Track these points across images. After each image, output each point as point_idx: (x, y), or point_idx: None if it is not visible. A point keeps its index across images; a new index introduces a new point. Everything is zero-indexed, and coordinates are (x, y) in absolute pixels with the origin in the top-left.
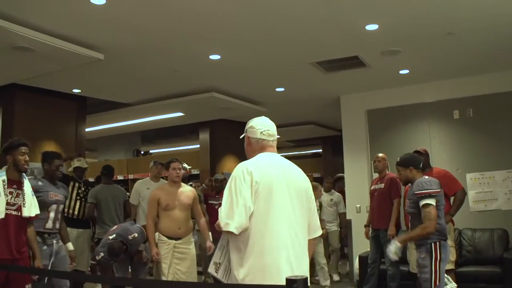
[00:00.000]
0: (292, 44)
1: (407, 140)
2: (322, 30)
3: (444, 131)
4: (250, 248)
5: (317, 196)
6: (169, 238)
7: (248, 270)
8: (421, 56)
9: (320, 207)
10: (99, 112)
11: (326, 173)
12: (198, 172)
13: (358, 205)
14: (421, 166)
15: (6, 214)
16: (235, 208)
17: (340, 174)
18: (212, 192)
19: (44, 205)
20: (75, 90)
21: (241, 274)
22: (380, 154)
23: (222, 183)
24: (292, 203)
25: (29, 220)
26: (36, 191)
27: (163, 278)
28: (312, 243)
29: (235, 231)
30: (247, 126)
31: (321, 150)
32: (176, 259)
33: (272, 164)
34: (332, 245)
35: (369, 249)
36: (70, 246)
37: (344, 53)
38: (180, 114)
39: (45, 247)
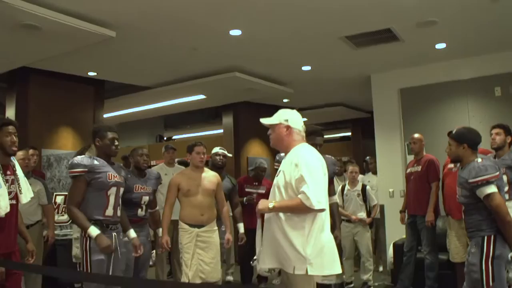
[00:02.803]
0: (319, 17)
1: (444, 120)
2: (351, 0)
3: (484, 109)
4: (314, 225)
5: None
6: (191, 226)
7: (313, 246)
8: (460, 27)
9: (362, 192)
10: (118, 96)
11: (355, 157)
12: None
13: (391, 190)
14: (477, 146)
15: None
16: (322, 189)
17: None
18: (249, 178)
19: (102, 188)
20: (91, 73)
21: (308, 250)
22: (416, 135)
23: (265, 172)
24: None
25: None
26: (91, 171)
27: (186, 270)
28: None
29: (327, 208)
30: (286, 116)
31: (350, 134)
32: (199, 248)
33: (318, 154)
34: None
35: (403, 236)
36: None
37: (375, 25)
38: (202, 96)
39: None
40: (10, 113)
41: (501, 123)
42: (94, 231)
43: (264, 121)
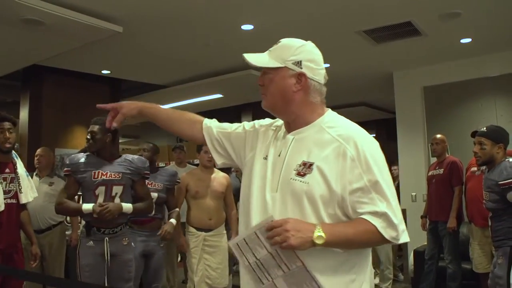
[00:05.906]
0: (335, 9)
1: (470, 120)
2: None
3: None
4: (368, 269)
5: None
6: (198, 229)
7: None
8: (486, 19)
9: None
10: (134, 96)
11: None
12: None
13: (413, 194)
14: None
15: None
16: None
17: None
18: None
19: (89, 188)
20: (104, 71)
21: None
22: (438, 136)
23: None
24: None
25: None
26: (75, 170)
27: (192, 275)
28: None
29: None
30: (298, 53)
31: (374, 135)
32: (206, 253)
33: None
34: None
35: (425, 243)
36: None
37: (395, 18)
38: (219, 95)
39: (90, 243)
40: (24, 111)
41: None
42: (87, 206)
43: (252, 60)
